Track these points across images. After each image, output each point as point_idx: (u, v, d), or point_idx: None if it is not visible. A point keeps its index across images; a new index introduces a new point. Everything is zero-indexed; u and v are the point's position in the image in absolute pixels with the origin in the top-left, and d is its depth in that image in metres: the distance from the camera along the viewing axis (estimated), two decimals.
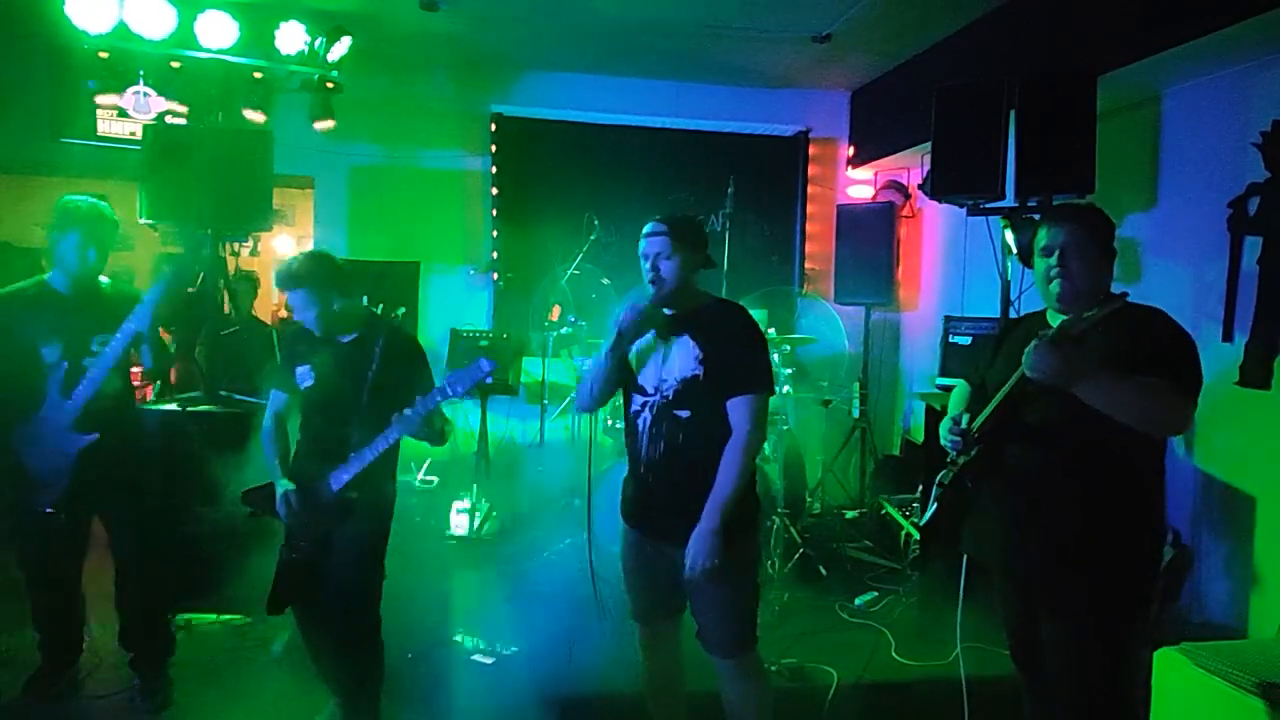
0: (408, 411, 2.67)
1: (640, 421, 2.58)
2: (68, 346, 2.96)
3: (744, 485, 2.46)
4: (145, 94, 4.55)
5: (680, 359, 2.52)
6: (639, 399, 2.60)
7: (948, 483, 2.42)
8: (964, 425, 2.35)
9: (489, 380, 2.75)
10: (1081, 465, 2.18)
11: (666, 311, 2.58)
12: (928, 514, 2.47)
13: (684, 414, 2.50)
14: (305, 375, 2.87)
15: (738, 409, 2.48)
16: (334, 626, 2.86)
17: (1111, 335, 2.08)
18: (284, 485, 2.83)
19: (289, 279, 2.79)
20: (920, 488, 4.78)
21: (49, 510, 2.96)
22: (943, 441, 2.41)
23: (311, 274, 2.79)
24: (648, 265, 2.54)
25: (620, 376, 2.65)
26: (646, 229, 2.59)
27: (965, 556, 2.50)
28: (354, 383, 2.81)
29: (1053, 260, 2.24)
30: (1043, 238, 2.29)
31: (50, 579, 3.16)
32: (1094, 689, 2.18)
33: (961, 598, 2.51)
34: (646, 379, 2.58)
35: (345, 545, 2.83)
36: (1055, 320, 2.30)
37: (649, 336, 2.60)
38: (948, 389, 4.70)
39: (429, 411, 2.69)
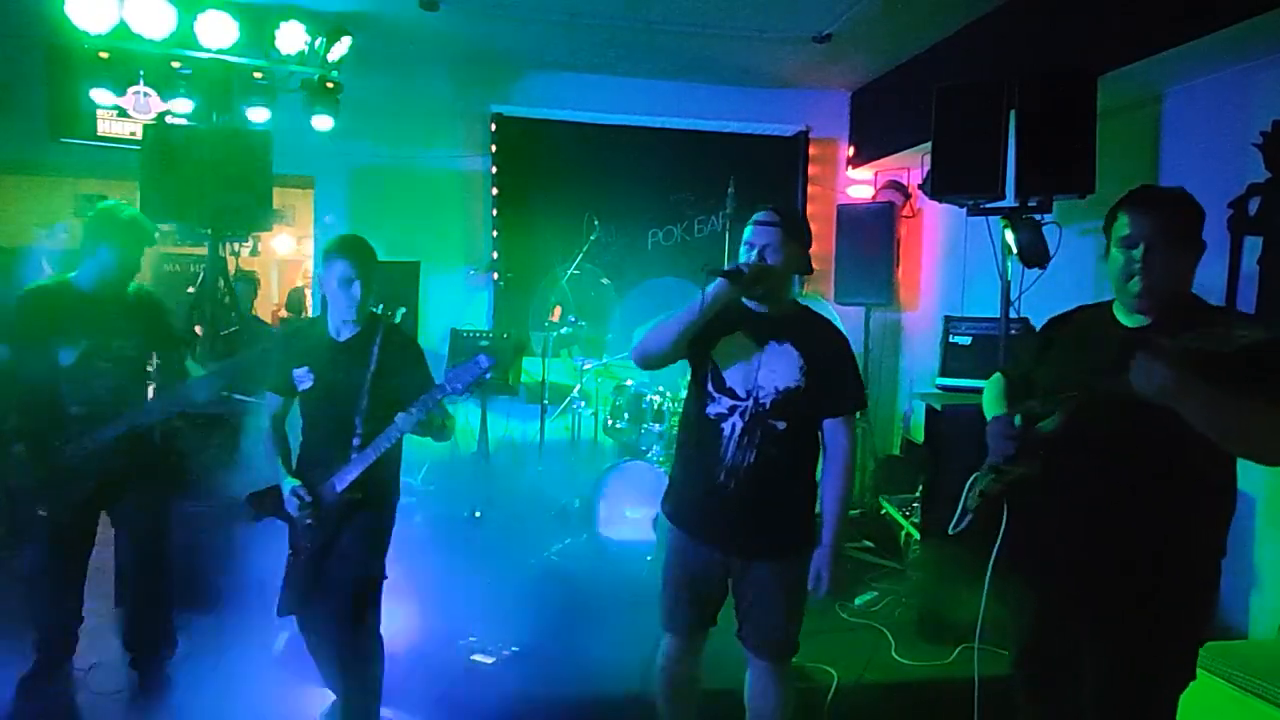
0: (411, 408, 2.67)
1: (727, 426, 2.46)
2: (87, 348, 2.99)
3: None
4: (145, 94, 4.56)
5: (782, 367, 2.44)
6: (726, 401, 2.47)
7: (991, 492, 2.23)
8: (1018, 425, 2.15)
9: (488, 376, 2.74)
10: (1164, 483, 2.00)
11: (750, 305, 2.49)
12: (962, 523, 2.30)
13: (780, 425, 2.43)
14: (304, 377, 2.87)
15: (839, 428, 2.48)
16: (336, 626, 2.86)
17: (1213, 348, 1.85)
18: (290, 482, 2.82)
19: (356, 250, 2.79)
20: (921, 487, 4.77)
21: (42, 514, 2.96)
22: (991, 445, 2.24)
23: (372, 255, 2.84)
24: (753, 255, 2.42)
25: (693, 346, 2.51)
26: (758, 216, 2.46)
27: (992, 560, 2.31)
28: (353, 383, 2.81)
29: (1135, 254, 2.00)
30: (1123, 226, 2.05)
31: (53, 577, 3.15)
32: (1140, 714, 2.10)
33: (985, 599, 2.37)
34: (737, 381, 2.46)
35: (349, 545, 2.83)
36: (1123, 317, 2.13)
37: (739, 334, 2.48)
38: (948, 389, 4.70)
39: (430, 409, 2.69)
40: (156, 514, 3.20)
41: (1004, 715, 2.61)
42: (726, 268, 2.39)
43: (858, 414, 2.55)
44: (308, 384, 2.87)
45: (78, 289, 3.04)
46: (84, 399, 2.98)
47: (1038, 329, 2.53)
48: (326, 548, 2.83)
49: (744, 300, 2.49)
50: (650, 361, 2.55)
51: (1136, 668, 2.07)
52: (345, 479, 2.77)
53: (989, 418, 2.32)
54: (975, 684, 2.53)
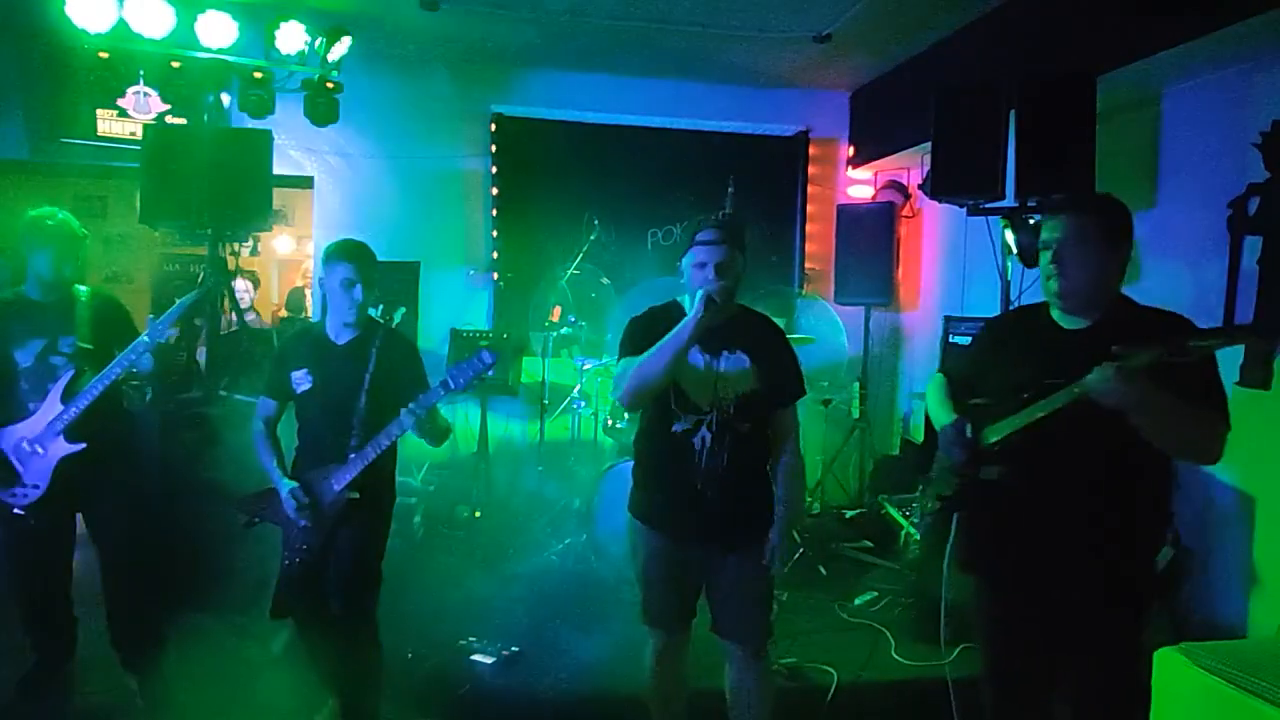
0: (412, 405, 2.68)
1: (696, 440, 2.52)
2: (44, 348, 3.00)
3: None
4: (145, 94, 4.55)
5: (737, 374, 2.52)
6: (691, 417, 2.53)
7: (950, 495, 2.30)
8: (969, 434, 2.21)
9: (490, 372, 2.76)
10: (1120, 489, 2.07)
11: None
12: (921, 526, 2.41)
13: (745, 427, 2.53)
14: (302, 379, 2.88)
15: (788, 416, 2.63)
16: (335, 628, 2.86)
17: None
18: (288, 484, 2.83)
19: (358, 254, 2.84)
20: (920, 488, 4.78)
21: (18, 512, 2.95)
22: (943, 451, 2.30)
23: (372, 259, 2.88)
24: (710, 273, 2.45)
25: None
26: (704, 235, 2.48)
27: (947, 559, 2.37)
28: (352, 385, 2.82)
29: (1049, 255, 2.10)
30: (1044, 230, 2.15)
31: (31, 579, 3.12)
32: (1119, 709, 2.17)
33: (945, 600, 2.44)
34: (700, 395, 2.52)
35: (345, 546, 2.84)
36: (1060, 318, 2.19)
37: (695, 351, 2.52)
38: None
39: (432, 406, 2.71)
40: (132, 514, 3.18)
41: None
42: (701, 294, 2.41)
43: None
44: (306, 386, 2.88)
45: (30, 298, 3.08)
46: (43, 395, 2.97)
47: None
48: (323, 549, 2.83)
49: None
50: (644, 396, 2.54)
51: (1113, 654, 2.14)
52: (343, 479, 2.77)
53: (937, 426, 2.37)
54: (949, 686, 2.62)
